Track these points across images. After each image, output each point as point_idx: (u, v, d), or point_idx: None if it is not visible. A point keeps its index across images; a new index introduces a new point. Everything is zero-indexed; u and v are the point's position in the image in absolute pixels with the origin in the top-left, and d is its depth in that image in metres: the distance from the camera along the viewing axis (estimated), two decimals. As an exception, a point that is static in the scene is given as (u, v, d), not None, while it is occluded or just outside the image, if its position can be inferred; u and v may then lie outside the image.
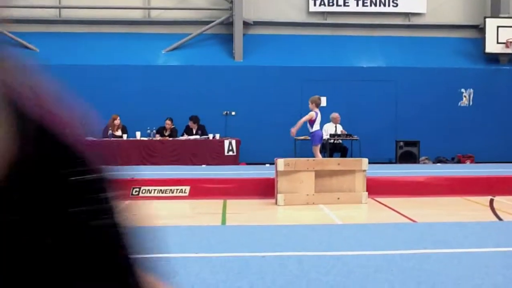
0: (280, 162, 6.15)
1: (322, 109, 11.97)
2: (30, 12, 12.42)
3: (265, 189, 6.59)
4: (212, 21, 12.47)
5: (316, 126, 8.28)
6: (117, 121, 10.57)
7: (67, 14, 12.62)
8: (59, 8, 12.55)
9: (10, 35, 12.12)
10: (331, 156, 10.82)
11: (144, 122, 10.72)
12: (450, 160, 11.85)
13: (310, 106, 8.33)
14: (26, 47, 12.10)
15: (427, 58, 12.72)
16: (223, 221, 5.35)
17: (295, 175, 6.17)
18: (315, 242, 3.93)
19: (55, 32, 12.47)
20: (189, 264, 3.35)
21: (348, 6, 12.94)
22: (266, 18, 12.82)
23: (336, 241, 4.00)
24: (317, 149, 8.29)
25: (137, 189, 6.70)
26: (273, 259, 3.46)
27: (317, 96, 8.48)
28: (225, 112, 11.02)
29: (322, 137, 8.27)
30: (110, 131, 10.43)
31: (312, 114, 8.26)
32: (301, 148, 10.91)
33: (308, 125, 8.42)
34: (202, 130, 10.69)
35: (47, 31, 12.49)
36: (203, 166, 9.25)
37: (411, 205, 6.08)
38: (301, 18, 13.00)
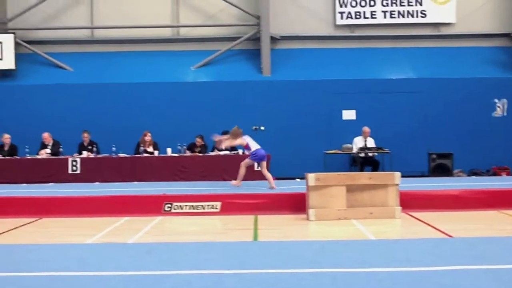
0: (311, 177, 6.12)
1: (352, 122, 11.99)
2: (64, 33, 12.86)
3: (296, 204, 6.55)
4: (240, 37, 12.62)
5: (254, 147, 8.16)
6: (148, 138, 10.73)
7: (99, 34, 12.99)
8: (92, 28, 12.92)
9: (46, 56, 12.56)
10: (362, 170, 10.72)
11: (174, 139, 10.86)
12: (485, 172, 11.56)
13: (234, 140, 8.27)
14: (61, 67, 12.50)
15: (457, 68, 12.53)
16: (255, 236, 5.35)
17: (326, 189, 6.13)
18: (349, 258, 3.88)
19: (88, 52, 12.86)
20: (222, 281, 3.36)
21: (375, 18, 12.90)
22: (293, 33, 12.89)
23: (370, 257, 3.94)
24: (246, 163, 8.20)
25: (169, 205, 6.77)
26: (307, 275, 3.43)
27: (235, 127, 8.35)
28: (254, 127, 11.04)
29: (261, 156, 8.11)
30: (142, 148, 10.60)
31: (242, 142, 8.25)
32: (330, 162, 10.84)
33: (245, 150, 8.57)
34: (232, 146, 10.75)
35: (80, 51, 12.88)
36: (234, 181, 9.27)
37: (446, 220, 5.95)
38: (328, 31, 13.02)
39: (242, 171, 8.14)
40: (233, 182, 8.24)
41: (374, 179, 6.29)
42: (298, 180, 8.79)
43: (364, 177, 6.44)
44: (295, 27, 12.93)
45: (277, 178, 10.35)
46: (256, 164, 8.62)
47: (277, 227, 5.90)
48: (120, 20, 12.73)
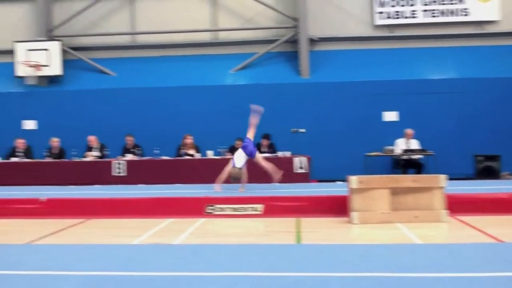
0: (354, 180, 6.06)
1: (393, 124, 11.81)
2: (107, 39, 13.22)
3: (339, 207, 6.50)
4: (278, 40, 12.65)
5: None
6: (189, 140, 10.89)
7: (140, 39, 13.29)
8: (133, 34, 13.23)
9: (90, 61, 12.95)
10: (404, 172, 10.53)
11: (215, 141, 10.99)
12: (534, 175, 11.12)
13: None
14: (105, 72, 12.86)
15: (502, 67, 12.15)
16: (298, 239, 5.34)
17: (369, 192, 6.06)
18: (394, 263, 3.83)
19: (130, 57, 13.17)
20: (267, 283, 3.38)
21: (415, 17, 12.66)
22: (331, 34, 12.81)
23: (416, 261, 3.86)
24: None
25: (211, 207, 6.85)
26: (352, 279, 3.40)
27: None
28: (294, 129, 11.03)
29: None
30: (183, 150, 10.77)
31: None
32: (371, 164, 10.69)
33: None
34: (272, 148, 10.78)
35: (122, 56, 13.21)
36: (275, 184, 9.29)
37: (495, 224, 5.76)
38: (367, 32, 12.87)
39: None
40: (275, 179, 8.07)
41: (418, 181, 6.16)
42: (338, 182, 8.72)
43: (408, 179, 6.32)
44: (333, 28, 12.85)
45: (318, 180, 10.36)
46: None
47: (320, 230, 5.87)
48: (161, 25, 12.98)
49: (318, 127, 11.81)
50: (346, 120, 11.94)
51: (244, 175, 7.92)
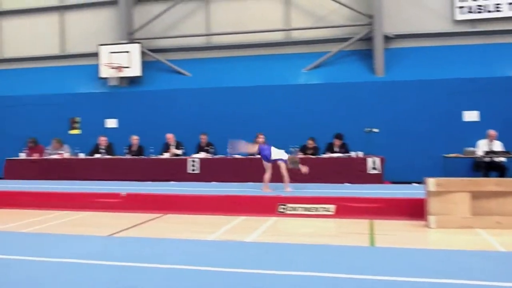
0: (431, 182, 5.84)
1: (474, 124, 11.23)
2: (183, 41, 13.65)
3: (414, 210, 6.29)
4: (352, 38, 12.43)
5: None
6: (261, 139, 10.98)
7: (215, 40, 13.59)
8: (208, 35, 13.56)
9: (167, 62, 13.45)
10: (486, 175, 9.98)
11: (287, 140, 10.98)
12: None
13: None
14: (181, 73, 13.31)
15: None
16: (372, 242, 5.24)
17: (448, 196, 5.81)
18: (477, 270, 3.65)
19: (204, 58, 13.51)
20: (340, 285, 3.35)
21: (500, 11, 11.94)
22: (407, 31, 12.40)
23: (499, 269, 3.66)
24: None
25: (283, 206, 6.89)
26: (430, 286, 3.29)
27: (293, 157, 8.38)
28: (367, 129, 10.80)
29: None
30: (255, 150, 10.88)
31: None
32: (451, 166, 10.23)
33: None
34: (344, 148, 10.63)
35: (198, 57, 13.58)
36: (347, 184, 9.16)
37: None
38: (446, 27, 12.31)
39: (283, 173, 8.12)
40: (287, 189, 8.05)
41: (502, 185, 5.82)
42: (415, 184, 8.44)
43: (491, 183, 5.98)
44: (410, 24, 12.42)
45: (392, 182, 10.08)
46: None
47: (395, 233, 5.71)
48: (234, 26, 13.21)
49: (393, 127, 11.49)
50: (423, 120, 11.51)
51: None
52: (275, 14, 13.15)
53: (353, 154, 10.30)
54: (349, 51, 12.64)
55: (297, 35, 13.11)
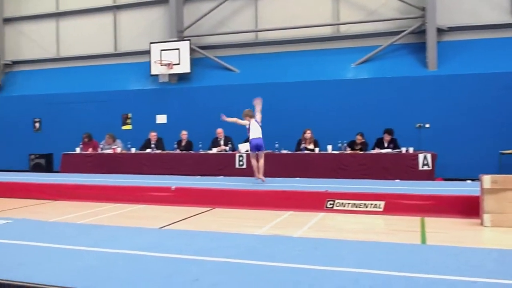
0: (486, 179, 5.63)
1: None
2: (232, 37, 13.77)
3: (468, 208, 6.10)
4: (403, 31, 12.13)
5: (251, 135, 8.55)
6: (308, 135, 10.95)
7: (263, 36, 13.62)
8: (256, 31, 13.61)
9: (216, 59, 13.62)
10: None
11: (335, 136, 10.92)
12: None
13: (242, 120, 8.75)
14: (229, 69, 13.44)
15: None
16: (423, 239, 5.12)
17: (505, 193, 5.58)
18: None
19: (252, 54, 13.58)
20: (391, 282, 3.30)
21: (563, 0, 11.31)
22: (462, 23, 11.97)
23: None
24: (250, 155, 8.73)
25: (332, 202, 6.84)
26: (483, 285, 3.18)
27: (247, 110, 8.76)
28: (419, 124, 10.54)
29: (255, 145, 8.48)
30: (303, 145, 10.86)
31: (244, 122, 8.70)
32: (507, 163, 9.82)
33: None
34: (394, 144, 10.41)
35: (245, 53, 13.66)
36: (397, 181, 8.98)
37: None
38: (503, 19, 11.78)
39: (252, 163, 8.67)
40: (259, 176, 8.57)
41: None
42: (469, 181, 8.16)
43: (552, 181, 5.70)
44: (465, 16, 11.97)
45: (444, 179, 9.79)
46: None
47: (447, 231, 5.56)
48: (283, 21, 13.19)
49: (446, 122, 11.15)
50: (478, 115, 11.09)
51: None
52: (323, 9, 13.02)
53: (403, 150, 10.08)
54: (400, 44, 12.35)
55: (346, 29, 12.94)
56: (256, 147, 8.54)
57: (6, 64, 16.19)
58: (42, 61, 15.93)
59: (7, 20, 16.29)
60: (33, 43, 16.03)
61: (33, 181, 9.49)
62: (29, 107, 15.27)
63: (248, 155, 10.83)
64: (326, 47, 12.94)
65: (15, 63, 16.28)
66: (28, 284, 3.33)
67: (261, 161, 8.60)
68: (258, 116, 8.68)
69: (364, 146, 10.62)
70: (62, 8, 15.65)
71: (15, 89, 15.87)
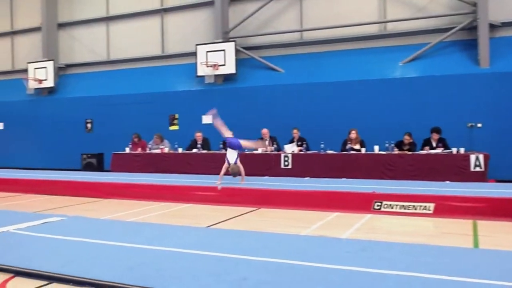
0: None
1: None
2: (276, 37, 13.78)
3: (524, 211, 5.85)
4: (453, 28, 11.75)
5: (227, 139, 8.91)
6: (353, 135, 10.81)
7: (307, 36, 13.55)
8: (301, 31, 13.55)
9: (261, 59, 13.66)
10: None
11: (382, 136, 10.71)
12: None
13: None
14: (274, 69, 13.45)
15: None
16: (475, 243, 4.95)
17: None
18: None
19: (297, 54, 13.53)
20: (443, 286, 3.22)
21: None
22: (516, 18, 11.48)
23: None
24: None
25: (379, 203, 6.73)
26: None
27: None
28: (470, 124, 10.18)
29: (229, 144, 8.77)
30: (349, 145, 10.73)
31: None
32: None
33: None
34: (443, 143, 10.11)
35: (290, 53, 13.63)
36: (447, 182, 8.72)
37: None
38: (562, 12, 11.20)
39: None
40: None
41: None
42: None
43: None
44: (520, 10, 11.47)
45: (497, 180, 9.41)
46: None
47: (502, 235, 5.34)
48: (328, 20, 13.07)
49: (499, 122, 10.71)
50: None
51: (241, 169, 8.71)
52: (369, 6, 12.81)
53: (454, 150, 9.77)
54: (449, 41, 11.98)
55: (393, 27, 12.67)
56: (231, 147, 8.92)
57: (60, 67, 16.87)
58: (93, 64, 16.50)
59: (61, 25, 16.98)
60: (84, 47, 16.63)
61: (86, 180, 9.84)
62: (81, 109, 15.86)
63: (293, 155, 10.81)
64: (373, 46, 12.72)
65: (68, 66, 16.94)
66: (82, 279, 3.47)
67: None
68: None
69: (413, 147, 10.36)
70: (112, 13, 16.14)
71: (68, 91, 16.52)
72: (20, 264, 3.83)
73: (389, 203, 6.65)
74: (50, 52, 16.71)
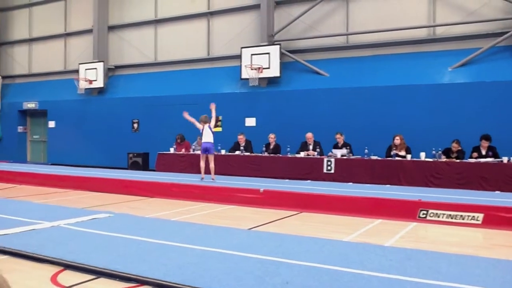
0: None
1: None
2: (322, 41, 13.69)
3: None
4: (507, 32, 11.32)
5: (202, 139, 9.98)
6: (397, 141, 10.60)
7: (353, 39, 13.39)
8: (347, 35, 13.42)
9: (305, 63, 13.62)
10: None
11: (429, 143, 10.45)
12: None
13: (199, 123, 10.11)
14: (318, 73, 13.38)
15: None
16: (528, 257, 4.75)
17: None
18: None
19: (343, 58, 13.39)
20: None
21: None
22: None
23: None
24: (200, 156, 10.12)
25: (425, 212, 6.57)
26: None
27: (203, 116, 10.17)
28: (524, 132, 9.78)
29: (204, 148, 9.86)
30: (394, 151, 10.53)
31: (199, 126, 10.10)
32: None
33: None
34: (493, 151, 9.75)
35: (336, 57, 13.50)
36: (497, 192, 8.41)
37: None
38: None
39: (201, 164, 10.09)
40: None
41: None
42: None
43: None
44: None
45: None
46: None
47: (556, 250, 5.10)
48: (375, 24, 12.88)
49: (554, 130, 10.24)
50: None
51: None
52: (418, 10, 12.53)
53: (504, 159, 9.41)
54: (502, 46, 11.54)
55: (442, 31, 12.34)
56: (205, 150, 9.86)
57: (109, 69, 17.41)
58: (141, 66, 16.93)
59: (111, 28, 17.51)
60: (133, 48, 17.09)
61: (132, 179, 10.10)
62: (129, 109, 16.30)
63: (336, 160, 10.71)
64: (421, 50, 12.43)
65: (117, 67, 17.45)
66: (129, 275, 3.56)
67: (211, 164, 9.90)
68: (213, 122, 10.02)
69: (461, 154, 10.04)
70: (160, 16, 16.51)
71: (116, 92, 17.02)
72: (70, 258, 3.98)
73: (435, 211, 6.47)
74: (100, 54, 17.27)
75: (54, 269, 3.85)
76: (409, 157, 10.26)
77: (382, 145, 10.94)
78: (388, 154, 10.63)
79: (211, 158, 9.92)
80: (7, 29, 20.48)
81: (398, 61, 12.45)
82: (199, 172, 11.75)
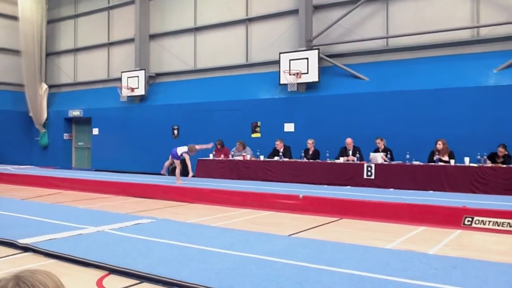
0: None
1: None
2: (361, 45, 13.54)
3: None
4: (556, 32, 10.88)
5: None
6: (440, 145, 10.33)
7: (394, 43, 13.17)
8: (387, 38, 13.21)
9: (344, 67, 13.50)
10: None
11: (473, 147, 10.14)
12: None
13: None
14: (358, 77, 13.23)
15: None
16: None
17: None
18: None
19: (382, 61, 13.19)
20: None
21: None
22: None
23: None
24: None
25: (470, 219, 6.37)
26: None
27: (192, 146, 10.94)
28: None
29: (173, 154, 11.03)
30: (436, 156, 10.27)
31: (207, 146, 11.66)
32: None
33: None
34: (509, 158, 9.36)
35: (375, 60, 13.31)
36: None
37: None
38: None
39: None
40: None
41: None
42: None
43: None
44: None
45: None
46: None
47: None
48: (415, 26, 12.63)
49: None
50: None
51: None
52: (461, 11, 12.20)
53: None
54: (551, 47, 11.09)
55: (487, 32, 11.96)
56: (173, 157, 11.02)
57: (150, 76, 17.80)
58: (181, 73, 17.23)
59: (152, 37, 17.92)
60: (173, 56, 17.42)
61: (172, 185, 10.27)
62: (169, 115, 16.61)
63: (376, 165, 10.54)
64: (464, 52, 12.09)
65: (158, 75, 17.82)
66: (172, 280, 3.62)
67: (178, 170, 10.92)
68: (198, 147, 11.04)
69: (507, 159, 9.69)
70: (199, 23, 16.77)
71: (157, 99, 17.38)
72: (115, 262, 4.08)
73: (481, 218, 6.27)
74: (142, 62, 17.69)
75: (99, 273, 3.96)
76: (452, 162, 9.97)
77: (424, 150, 10.70)
78: (431, 159, 10.38)
79: (178, 164, 11.06)
80: (54, 40, 21.30)
81: (440, 64, 12.15)
82: (238, 178, 11.87)
